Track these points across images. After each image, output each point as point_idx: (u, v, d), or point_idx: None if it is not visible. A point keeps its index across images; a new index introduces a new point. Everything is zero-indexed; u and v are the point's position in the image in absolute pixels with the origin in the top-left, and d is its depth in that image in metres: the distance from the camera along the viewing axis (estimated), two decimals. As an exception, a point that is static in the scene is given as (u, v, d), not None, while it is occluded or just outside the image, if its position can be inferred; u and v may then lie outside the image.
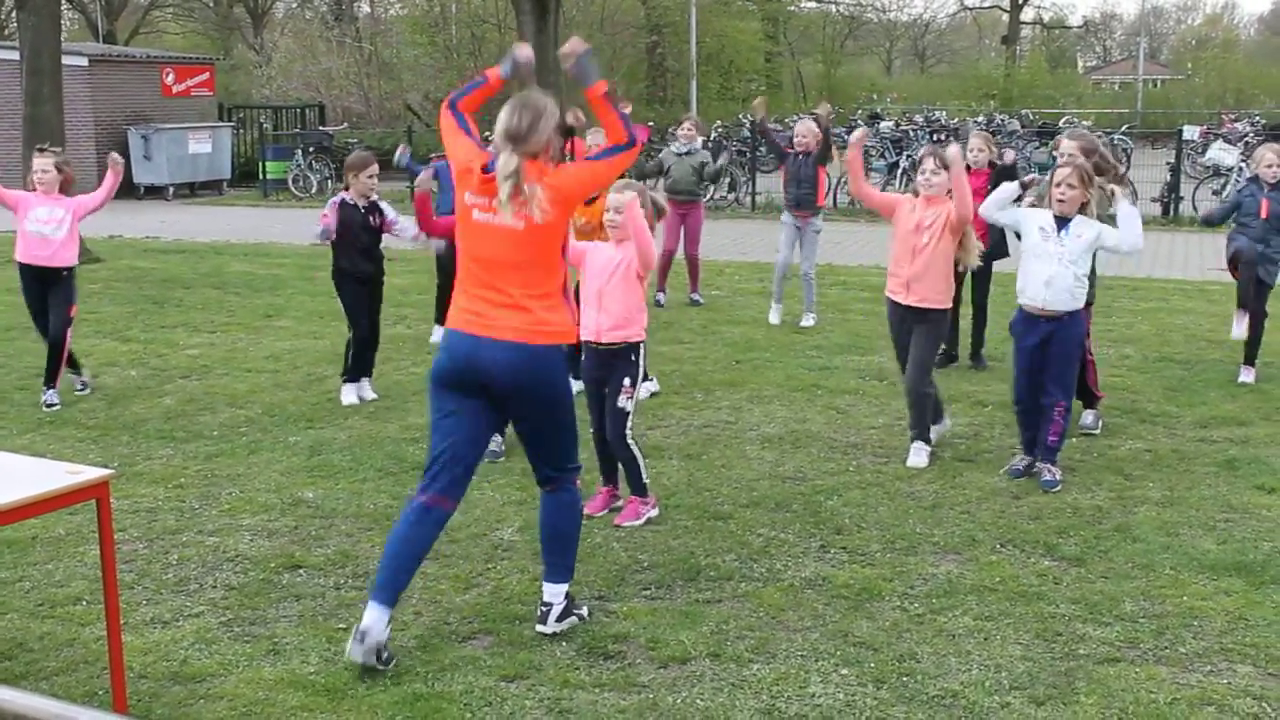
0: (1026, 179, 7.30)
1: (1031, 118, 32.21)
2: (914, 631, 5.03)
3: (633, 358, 6.26)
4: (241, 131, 26.49)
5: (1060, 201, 6.67)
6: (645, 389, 8.35)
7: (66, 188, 8.60)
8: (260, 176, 24.02)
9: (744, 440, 7.70)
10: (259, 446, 7.66)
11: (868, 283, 13.10)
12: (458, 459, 4.84)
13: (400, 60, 30.59)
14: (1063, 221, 6.70)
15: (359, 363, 8.69)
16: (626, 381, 6.25)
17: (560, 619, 5.02)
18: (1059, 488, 6.70)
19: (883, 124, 31.07)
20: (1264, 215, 8.78)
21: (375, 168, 8.52)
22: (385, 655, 4.73)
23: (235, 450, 7.58)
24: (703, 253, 12.40)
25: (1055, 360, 6.83)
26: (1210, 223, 10.45)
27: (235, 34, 50.25)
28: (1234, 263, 9.01)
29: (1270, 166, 8.91)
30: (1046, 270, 6.69)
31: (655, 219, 6.30)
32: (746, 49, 35.68)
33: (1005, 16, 53.57)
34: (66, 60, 22.87)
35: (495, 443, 7.36)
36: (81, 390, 8.90)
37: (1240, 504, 6.52)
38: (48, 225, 8.42)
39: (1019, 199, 7.14)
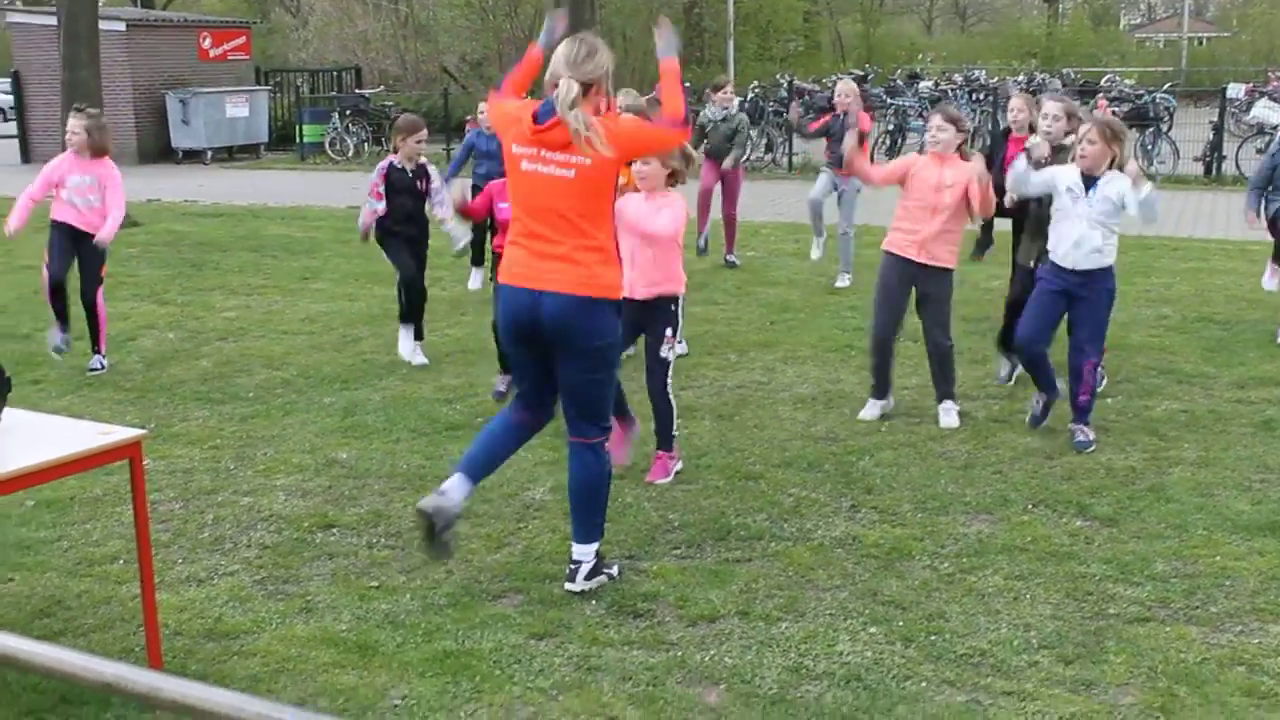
0: (1029, 144, 7.19)
1: (1073, 76, 31.79)
2: (943, 591, 5.02)
3: (672, 308, 6.31)
4: (279, 95, 26.55)
5: (1083, 158, 6.59)
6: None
7: (101, 153, 8.59)
8: (297, 140, 24.09)
9: (776, 401, 7.70)
10: (294, 408, 7.72)
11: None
12: (536, 389, 5.05)
13: (437, 22, 30.49)
14: (1090, 181, 6.61)
15: (412, 308, 8.65)
16: (668, 332, 6.30)
17: (589, 577, 5.05)
18: (1093, 448, 6.65)
19: (922, 84, 30.81)
20: None
21: (424, 133, 8.55)
22: (446, 526, 4.81)
23: (270, 412, 7.64)
24: (740, 214, 12.36)
25: (1086, 317, 6.76)
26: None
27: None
28: (1274, 224, 8.88)
29: None
30: (1075, 231, 6.63)
31: (686, 168, 6.32)
32: (784, 8, 35.40)
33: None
34: (104, 25, 22.99)
35: (502, 382, 7.46)
36: (63, 349, 8.75)
37: (1277, 464, 6.46)
38: (79, 195, 8.44)
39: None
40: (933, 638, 4.62)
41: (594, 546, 5.08)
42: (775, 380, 8.15)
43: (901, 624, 4.74)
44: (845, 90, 11.38)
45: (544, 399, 5.09)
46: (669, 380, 6.33)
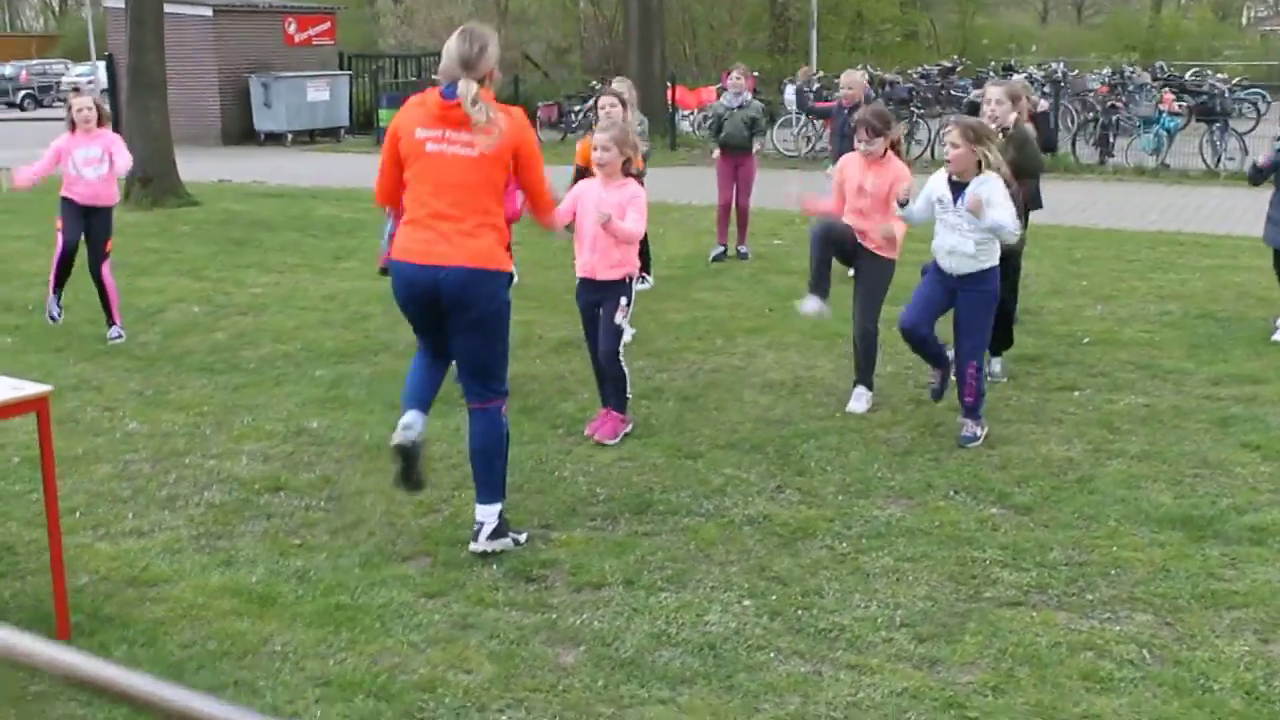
0: (899, 191, 7.12)
1: (1164, 70, 31.18)
2: (830, 569, 5.19)
3: (627, 282, 6.78)
4: (362, 80, 27.17)
5: (948, 161, 6.59)
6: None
7: (103, 124, 8.97)
8: (375, 124, 24.64)
9: (746, 385, 7.88)
10: (285, 379, 8.09)
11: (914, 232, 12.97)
12: (436, 350, 5.41)
13: (522, 9, 30.92)
14: (959, 188, 6.54)
15: None
16: (623, 300, 6.74)
17: (492, 537, 5.31)
18: (978, 443, 6.67)
19: (1015, 76, 30.48)
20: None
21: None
22: (417, 457, 5.34)
23: (263, 382, 8.02)
24: (779, 203, 12.48)
25: (966, 321, 6.73)
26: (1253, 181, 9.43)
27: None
28: None
29: None
30: (948, 240, 6.63)
31: (636, 155, 6.74)
32: (872, -1, 35.28)
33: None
34: (190, 10, 23.88)
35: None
36: (55, 318, 9.23)
37: (1218, 460, 6.49)
38: (86, 167, 8.87)
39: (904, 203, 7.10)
40: (800, 612, 4.81)
41: (497, 507, 5.34)
42: (752, 365, 8.33)
43: (775, 598, 4.93)
44: (849, 82, 11.38)
45: (446, 356, 5.48)
46: (621, 346, 6.77)
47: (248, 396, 7.73)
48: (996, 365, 7.88)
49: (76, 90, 9.26)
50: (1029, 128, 7.83)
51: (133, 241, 12.65)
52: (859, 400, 7.34)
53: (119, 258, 9.71)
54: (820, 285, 7.40)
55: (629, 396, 6.87)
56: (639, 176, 7.43)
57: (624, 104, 9.15)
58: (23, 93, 40.12)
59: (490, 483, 5.34)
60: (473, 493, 6.03)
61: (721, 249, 12.16)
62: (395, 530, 5.63)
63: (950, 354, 6.96)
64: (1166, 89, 21.62)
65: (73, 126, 8.87)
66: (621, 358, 6.80)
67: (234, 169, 19.96)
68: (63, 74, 42.19)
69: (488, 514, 5.33)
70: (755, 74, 25.40)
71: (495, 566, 5.23)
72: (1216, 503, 5.91)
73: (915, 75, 31.35)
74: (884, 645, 4.56)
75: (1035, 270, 11.38)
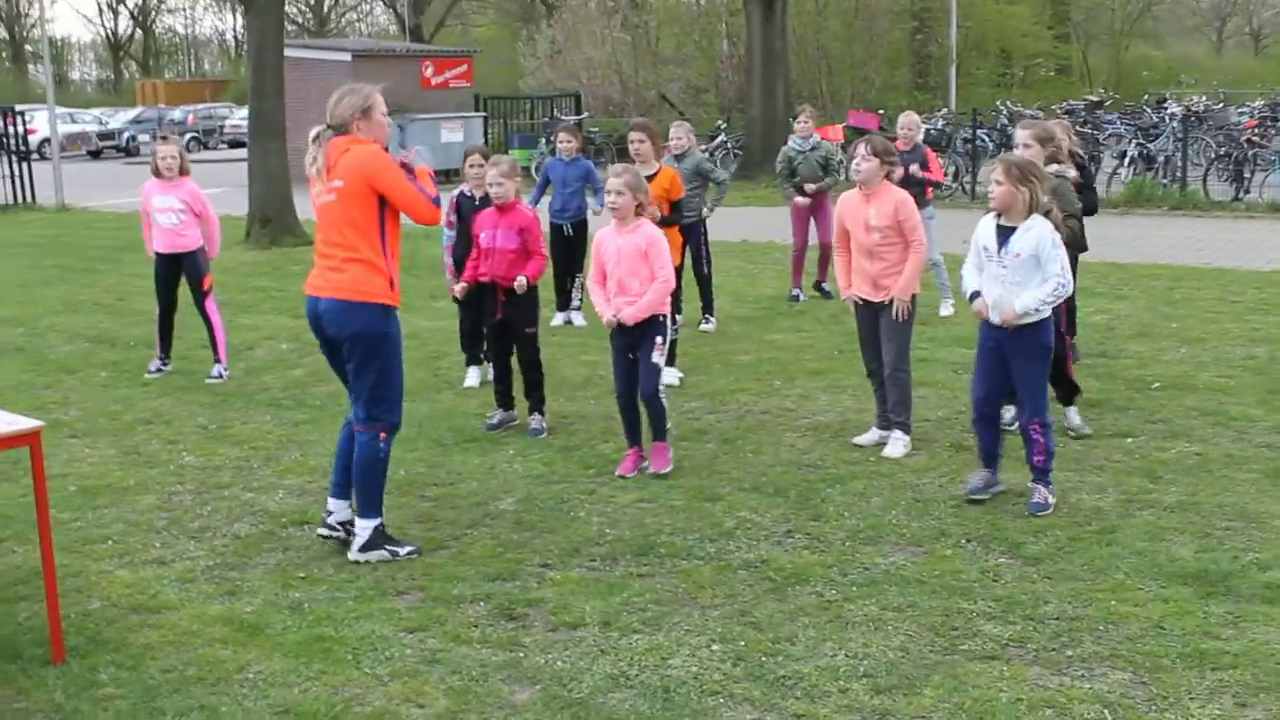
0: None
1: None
2: (811, 616, 5.16)
3: (661, 321, 6.90)
4: (499, 120, 27.83)
5: (991, 198, 6.19)
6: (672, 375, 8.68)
7: (184, 174, 9.36)
8: (510, 164, 25.20)
9: (789, 428, 7.86)
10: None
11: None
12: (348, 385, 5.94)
13: (658, 50, 31.30)
14: (1006, 233, 6.17)
15: (471, 347, 9.19)
16: (658, 339, 6.90)
17: (364, 549, 5.79)
18: (1049, 510, 6.28)
19: (1173, 108, 29.62)
20: None
21: (476, 157, 9.03)
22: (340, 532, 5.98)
23: (323, 419, 8.30)
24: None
25: (1020, 377, 6.35)
26: None
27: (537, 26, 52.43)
28: None
29: None
30: (993, 291, 6.24)
31: (643, 213, 6.88)
32: (1016, 33, 34.69)
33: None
34: (331, 56, 24.78)
35: (536, 421, 7.81)
36: (153, 373, 9.60)
37: (1255, 513, 6.25)
38: (164, 215, 9.29)
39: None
40: (765, 659, 4.80)
41: (373, 521, 5.82)
42: (803, 408, 8.31)
43: (744, 644, 4.92)
44: (906, 123, 11.17)
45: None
46: (662, 383, 6.92)
47: (304, 432, 8.01)
48: (1075, 418, 7.58)
49: (164, 139, 9.70)
50: (1069, 170, 7.60)
51: (242, 280, 13.20)
52: (895, 445, 7.26)
53: (225, 295, 10.15)
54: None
55: (669, 427, 7.06)
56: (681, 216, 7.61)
57: (655, 139, 9.24)
58: (189, 135, 42.03)
59: (365, 498, 5.82)
60: (488, 529, 6.26)
61: (798, 292, 12.13)
62: (398, 566, 5.79)
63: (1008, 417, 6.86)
64: (1251, 117, 20.77)
65: (157, 173, 9.28)
66: (662, 395, 6.96)
67: (364, 208, 20.58)
68: (227, 117, 44.14)
69: (362, 526, 5.83)
70: (881, 112, 25.26)
71: (483, 604, 5.34)
72: (1239, 558, 5.69)
73: (1059, 110, 30.76)
74: (838, 695, 4.52)
75: (1127, 311, 11.13)
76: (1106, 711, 4.38)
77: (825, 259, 12.18)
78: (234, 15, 57.46)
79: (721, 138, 22.57)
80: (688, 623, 5.12)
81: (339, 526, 5.96)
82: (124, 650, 4.96)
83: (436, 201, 5.77)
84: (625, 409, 7.03)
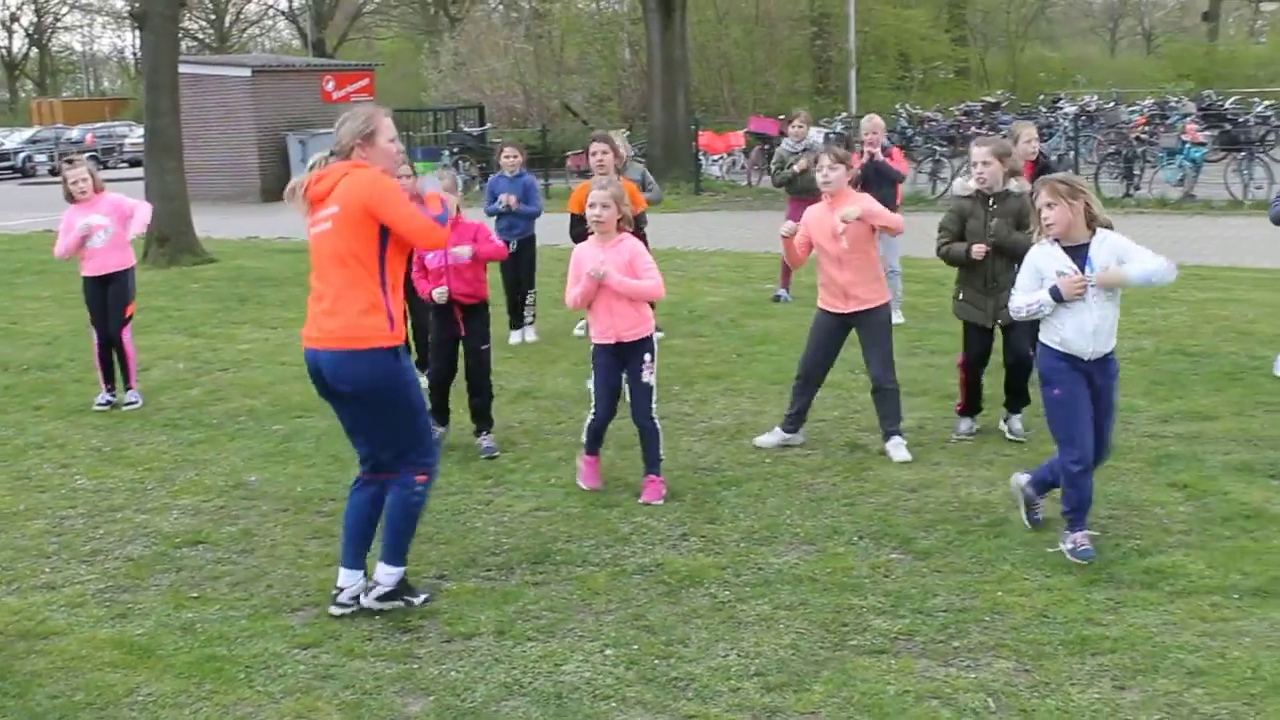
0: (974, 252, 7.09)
1: (1214, 99, 30.78)
2: (704, 618, 5.22)
3: (649, 338, 6.77)
4: (404, 133, 27.66)
5: (1050, 225, 5.62)
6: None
7: (99, 190, 9.05)
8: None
9: (687, 432, 7.92)
10: (242, 434, 8.28)
11: (926, 275, 12.91)
12: (356, 442, 5.43)
13: (561, 60, 31.34)
14: (1077, 252, 5.64)
15: (421, 350, 9.12)
16: (647, 358, 6.74)
17: (384, 599, 5.33)
18: (1093, 556, 5.69)
19: (1066, 108, 30.24)
20: None
21: (405, 169, 8.88)
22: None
23: (219, 438, 8.21)
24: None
25: (1102, 420, 5.81)
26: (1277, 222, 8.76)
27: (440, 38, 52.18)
28: None
29: None
30: (1090, 317, 5.63)
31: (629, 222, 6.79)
32: (914, 37, 35.20)
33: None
34: (230, 72, 24.54)
35: (488, 440, 7.70)
36: (102, 405, 9.18)
37: (1139, 500, 6.42)
38: (93, 236, 8.92)
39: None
40: (657, 662, 4.84)
41: (399, 570, 5.35)
42: (700, 412, 8.38)
43: (638, 648, 4.96)
44: (871, 127, 11.12)
45: (360, 454, 5.44)
46: (654, 405, 6.73)
47: (200, 452, 7.92)
48: (1018, 424, 7.55)
49: (71, 161, 9.28)
50: (1026, 185, 7.52)
51: (140, 300, 12.91)
52: (900, 449, 7.19)
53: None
54: (794, 423, 7.49)
55: (662, 455, 6.79)
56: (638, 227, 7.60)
57: (616, 151, 9.23)
58: (87, 155, 41.16)
59: (396, 545, 5.34)
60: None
61: (782, 293, 12.23)
62: (294, 582, 5.75)
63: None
64: (1189, 119, 21.36)
65: (71, 198, 8.98)
66: (655, 415, 6.75)
67: (265, 224, 20.43)
68: (126, 136, 43.41)
69: (387, 574, 5.35)
70: (782, 117, 25.51)
71: (378, 619, 5.32)
72: (1121, 545, 5.85)
73: (958, 112, 31.28)
74: (730, 695, 4.58)
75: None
76: (990, 700, 4.48)
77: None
78: (133, 33, 56.57)
79: (624, 146, 22.71)
80: (582, 629, 5.15)
81: (352, 602, 5.37)
82: (10, 679, 4.87)
83: (441, 220, 5.36)
84: (602, 429, 6.89)
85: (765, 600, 5.38)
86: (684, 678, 4.71)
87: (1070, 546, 5.72)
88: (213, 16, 62.01)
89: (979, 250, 7.16)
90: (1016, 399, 7.55)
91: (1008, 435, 7.55)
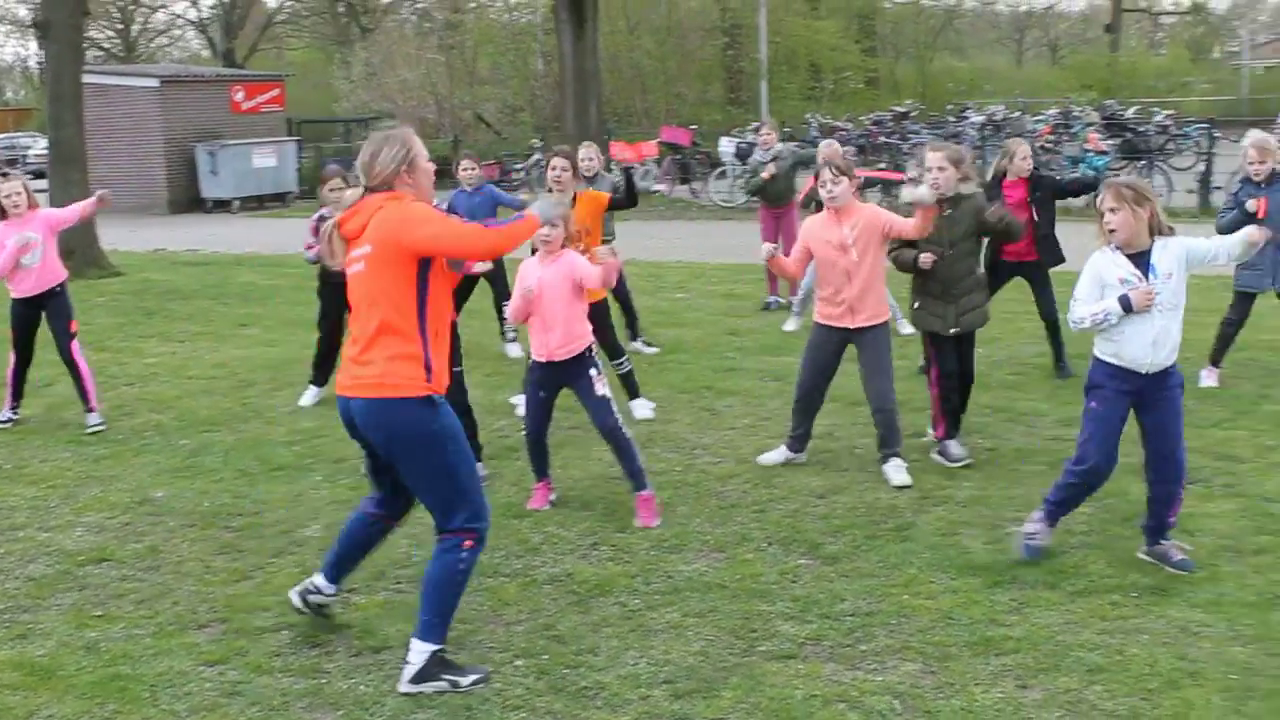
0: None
1: (1116, 109, 31.47)
2: (614, 627, 5.23)
3: (589, 354, 6.63)
4: (315, 145, 27.47)
5: (1112, 232, 5.43)
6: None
7: (33, 206, 8.74)
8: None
9: (598, 441, 7.83)
10: (148, 449, 8.16)
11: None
12: (381, 488, 5.14)
13: (474, 70, 31.25)
14: (1140, 259, 5.46)
15: (318, 368, 9.07)
16: (593, 373, 6.61)
17: (418, 679, 4.73)
18: (1193, 567, 5.63)
19: (973, 118, 30.69)
20: (1261, 215, 8.31)
21: (336, 180, 8.80)
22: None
23: (124, 453, 8.08)
24: (701, 256, 12.58)
25: (1175, 431, 5.60)
26: (1223, 231, 8.56)
27: (352, 48, 51.69)
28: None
29: (1253, 164, 8.54)
30: (1151, 328, 5.42)
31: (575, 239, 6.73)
32: (825, 47, 35.58)
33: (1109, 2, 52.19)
34: (138, 82, 24.17)
35: (480, 469, 7.37)
36: (3, 424, 8.96)
37: (1041, 503, 6.53)
38: (25, 253, 8.60)
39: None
40: (568, 671, 4.85)
41: (432, 647, 4.77)
42: (613, 421, 8.39)
43: (548, 658, 4.97)
44: (829, 155, 10.60)
45: (393, 500, 5.15)
46: (617, 415, 6.62)
47: (105, 468, 7.79)
48: (957, 449, 7.29)
49: (4, 175, 8.89)
50: (979, 191, 7.45)
51: (43, 314, 12.72)
52: (900, 471, 6.96)
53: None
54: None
55: (641, 467, 6.59)
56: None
57: (574, 167, 9.15)
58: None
59: (427, 619, 4.79)
60: (294, 558, 6.16)
61: (774, 299, 12.24)
62: (200, 598, 5.68)
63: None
64: (1092, 129, 21.82)
65: (2, 213, 8.61)
66: (622, 425, 6.63)
67: (172, 237, 20.14)
68: (30, 147, 42.49)
69: (419, 651, 4.77)
70: (694, 127, 25.66)
71: (285, 633, 5.27)
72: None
73: (868, 122, 31.63)
74: (639, 703, 4.60)
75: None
76: (897, 702, 4.55)
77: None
78: (36, 42, 55.43)
79: (537, 156, 22.67)
80: (492, 639, 5.15)
81: (312, 608, 5.23)
82: (-96, 703, 4.77)
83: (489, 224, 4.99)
84: (534, 445, 6.80)
85: (674, 608, 5.41)
86: (593, 687, 4.73)
87: (1027, 531, 5.80)
88: (120, 26, 60.95)
89: (926, 259, 7.04)
90: (954, 424, 7.36)
91: (948, 464, 7.23)
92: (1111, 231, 5.42)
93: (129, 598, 5.75)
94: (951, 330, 7.24)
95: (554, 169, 8.90)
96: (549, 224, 6.10)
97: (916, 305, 7.33)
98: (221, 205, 24.25)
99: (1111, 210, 5.40)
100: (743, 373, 9.60)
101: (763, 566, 5.84)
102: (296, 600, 5.27)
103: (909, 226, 6.88)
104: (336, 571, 5.26)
